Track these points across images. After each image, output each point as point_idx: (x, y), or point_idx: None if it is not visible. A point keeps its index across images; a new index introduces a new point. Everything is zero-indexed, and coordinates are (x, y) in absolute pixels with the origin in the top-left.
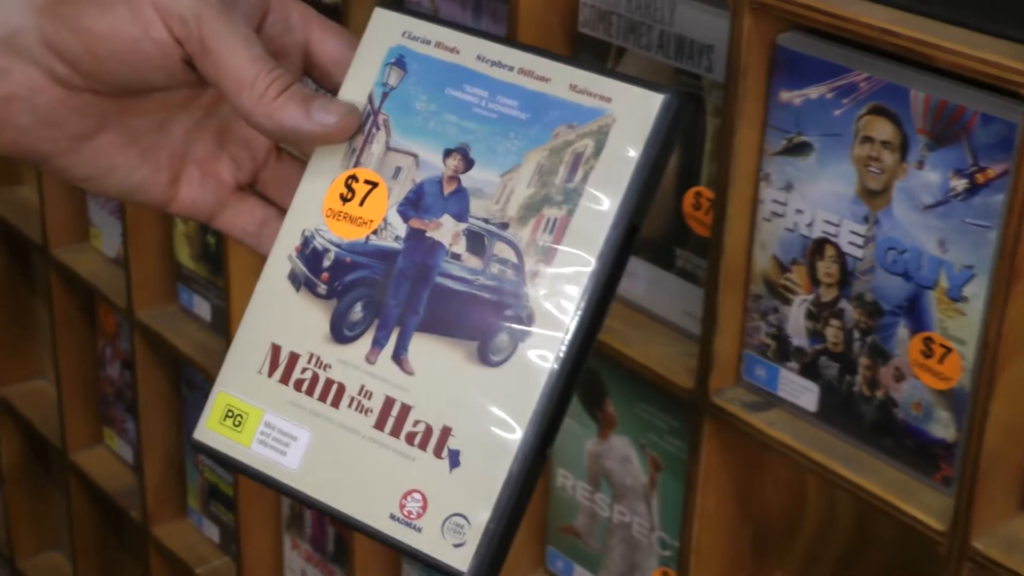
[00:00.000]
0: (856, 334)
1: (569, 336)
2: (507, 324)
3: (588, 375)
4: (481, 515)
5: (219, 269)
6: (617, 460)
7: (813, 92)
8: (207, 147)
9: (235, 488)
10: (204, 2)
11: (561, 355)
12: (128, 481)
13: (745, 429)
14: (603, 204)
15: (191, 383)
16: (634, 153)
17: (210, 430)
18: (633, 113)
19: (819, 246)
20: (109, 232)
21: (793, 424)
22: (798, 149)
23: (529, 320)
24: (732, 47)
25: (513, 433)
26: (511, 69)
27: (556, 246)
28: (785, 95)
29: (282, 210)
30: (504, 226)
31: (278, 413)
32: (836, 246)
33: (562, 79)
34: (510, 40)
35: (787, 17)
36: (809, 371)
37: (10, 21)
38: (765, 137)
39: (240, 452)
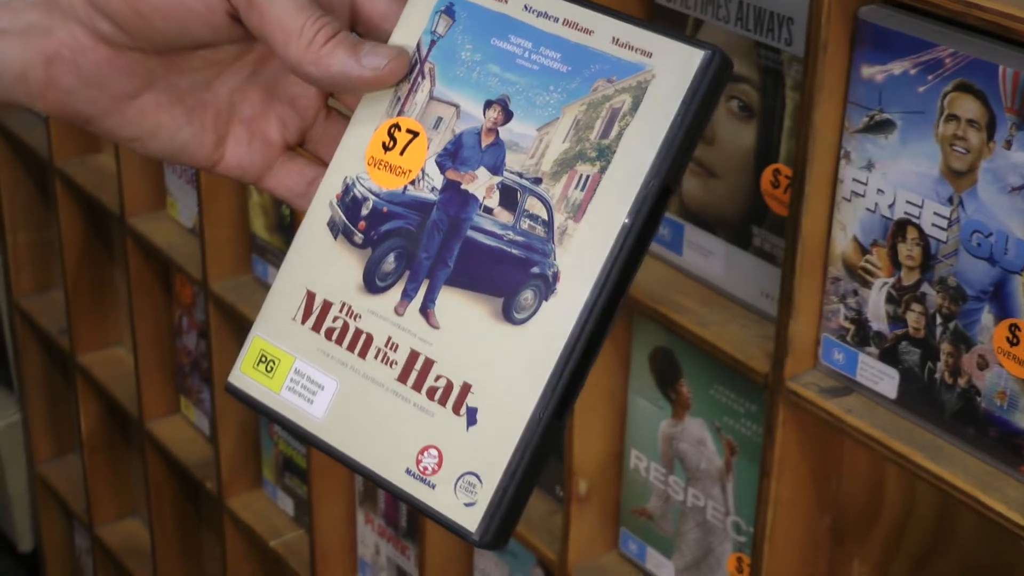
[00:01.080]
0: (938, 319)
1: (591, 301)
2: (532, 282)
3: (662, 354)
4: (493, 475)
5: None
6: (691, 442)
7: (896, 68)
8: (253, 106)
9: (308, 461)
10: None
11: (583, 317)
12: (204, 452)
13: (822, 415)
14: (636, 163)
15: None
16: (671, 111)
17: (244, 374)
18: (673, 70)
19: (901, 227)
20: (186, 202)
21: (872, 411)
22: (880, 127)
23: (554, 279)
24: (812, 20)
25: (530, 395)
26: (556, 20)
27: (586, 204)
28: (867, 70)
29: None
30: (537, 181)
31: (308, 360)
32: (919, 228)
33: (605, 32)
34: None
35: None
36: (889, 356)
37: None
38: (846, 114)
39: (270, 398)
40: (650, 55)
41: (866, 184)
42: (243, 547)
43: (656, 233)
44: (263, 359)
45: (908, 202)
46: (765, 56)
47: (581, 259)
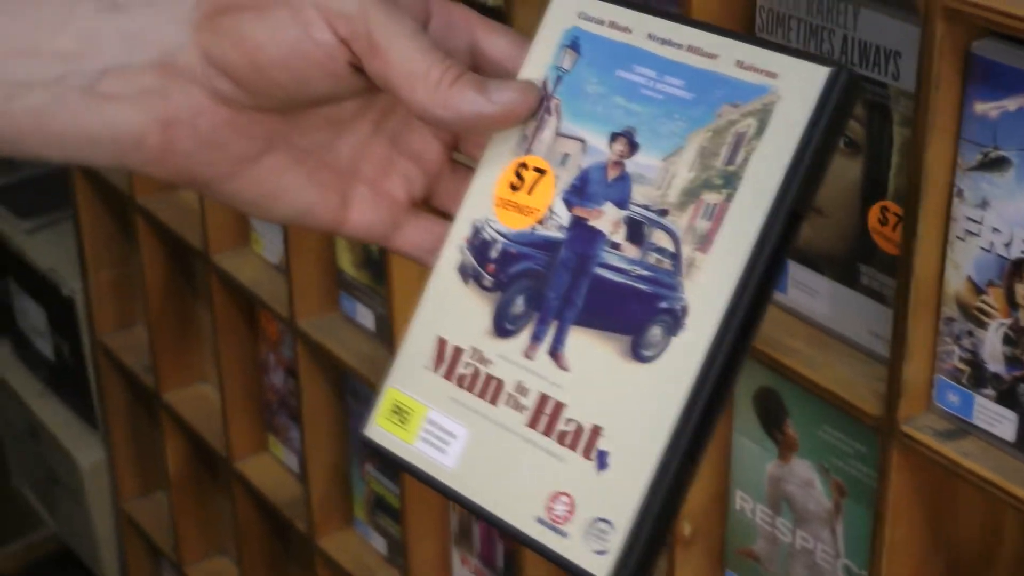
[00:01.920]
0: None
1: (720, 331)
2: (660, 317)
3: (768, 394)
4: (625, 521)
5: (381, 276)
6: (799, 484)
7: (1011, 104)
8: (376, 165)
9: (401, 499)
10: (369, 0)
11: (712, 352)
12: (293, 490)
13: (937, 459)
14: (763, 188)
15: (356, 393)
16: (797, 132)
17: (378, 426)
18: (799, 90)
19: (1018, 267)
20: (271, 237)
21: (989, 454)
22: (995, 164)
23: (683, 313)
24: (923, 56)
25: (660, 435)
26: (680, 47)
27: (713, 234)
28: (980, 107)
29: None
30: (664, 212)
31: (441, 410)
32: None
33: (729, 55)
34: (681, 16)
35: (982, 23)
36: (1007, 399)
37: (166, 40)
38: (958, 151)
39: (404, 449)
40: (775, 76)
41: (980, 223)
42: None
43: (787, 259)
44: (397, 410)
45: None
46: (871, 90)
47: (709, 292)
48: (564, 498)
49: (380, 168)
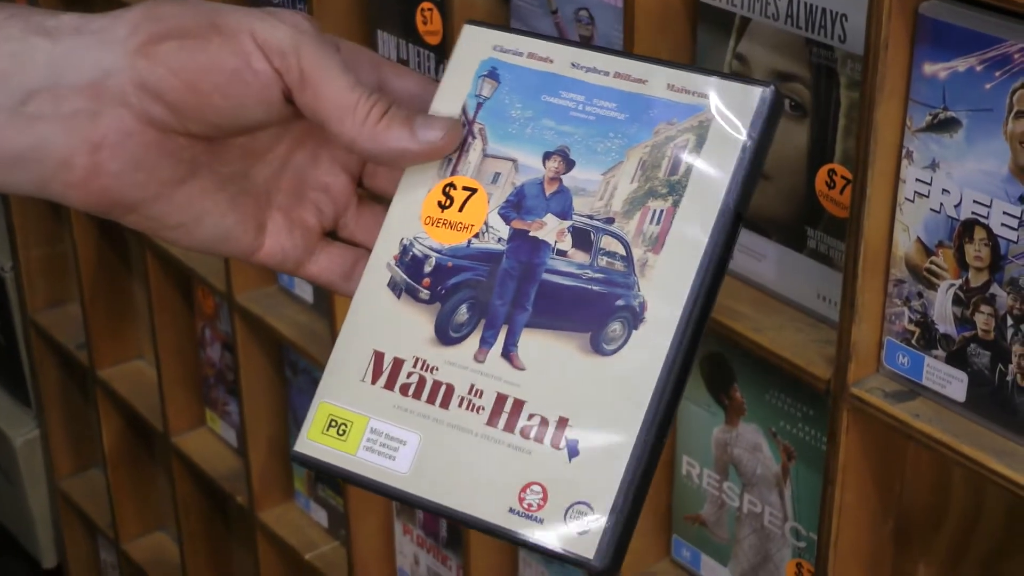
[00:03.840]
0: (1009, 321)
1: (683, 323)
2: (619, 314)
3: (715, 359)
4: (605, 502)
5: None
6: (746, 448)
7: (961, 64)
8: (288, 194)
9: None
10: (301, 34)
11: (676, 341)
12: (232, 464)
13: (887, 421)
14: (708, 194)
15: (295, 367)
16: (737, 144)
17: (313, 441)
18: (732, 107)
19: (968, 228)
20: None
21: (940, 415)
22: (944, 125)
23: (642, 308)
24: (872, 18)
25: (633, 419)
26: (607, 74)
27: (664, 235)
28: (929, 68)
29: (369, 250)
30: (609, 220)
31: (384, 419)
32: (987, 228)
33: (659, 80)
34: (603, 47)
35: None
36: (957, 359)
37: (102, 63)
38: (907, 113)
39: (346, 460)
40: (706, 96)
41: (930, 184)
42: (277, 560)
43: (731, 259)
44: (333, 423)
45: (975, 202)
46: (817, 54)
47: (666, 287)
48: (536, 487)
49: (293, 197)
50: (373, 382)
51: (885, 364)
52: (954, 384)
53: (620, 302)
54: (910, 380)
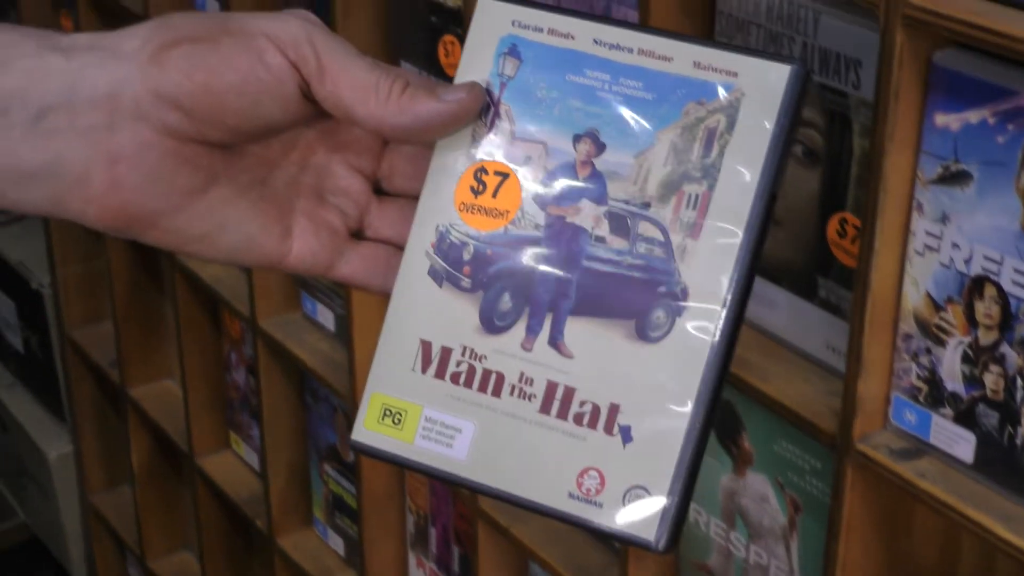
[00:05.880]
0: (1019, 382)
1: (727, 307)
2: (662, 300)
3: (723, 406)
4: (661, 485)
5: None
6: (753, 498)
7: (973, 116)
8: (310, 198)
9: (358, 501)
10: (313, 26)
11: (721, 326)
12: (254, 488)
13: (892, 478)
14: (744, 176)
15: (315, 393)
16: (768, 124)
17: (369, 430)
18: (761, 85)
19: (978, 284)
20: None
21: (946, 475)
22: (955, 178)
23: (684, 294)
24: (882, 65)
25: (684, 404)
26: (631, 51)
27: (701, 221)
28: (941, 118)
29: (399, 247)
30: (646, 206)
31: (438, 408)
32: (997, 285)
33: (685, 57)
34: (625, 22)
35: (945, 33)
36: (965, 419)
37: (116, 76)
38: (918, 164)
39: (404, 448)
40: (735, 74)
41: (940, 238)
42: None
43: (767, 238)
44: (387, 412)
45: (986, 258)
46: (831, 100)
47: (707, 272)
48: (593, 472)
49: (314, 201)
50: (423, 371)
51: (892, 420)
52: (962, 444)
53: (662, 288)
54: (917, 438)
